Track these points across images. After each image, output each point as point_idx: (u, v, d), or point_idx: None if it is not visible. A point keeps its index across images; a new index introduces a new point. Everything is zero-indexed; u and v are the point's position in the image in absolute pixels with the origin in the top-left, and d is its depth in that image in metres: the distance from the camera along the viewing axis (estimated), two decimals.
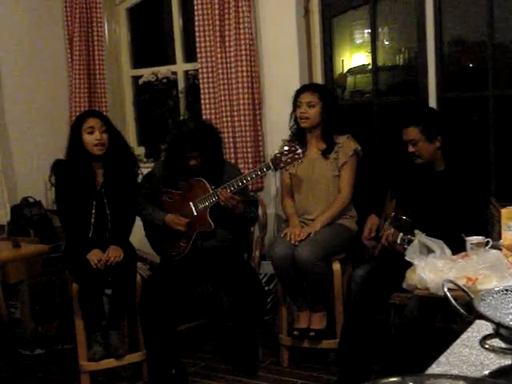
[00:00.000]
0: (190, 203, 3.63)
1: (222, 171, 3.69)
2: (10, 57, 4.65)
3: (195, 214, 3.62)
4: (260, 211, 4.04)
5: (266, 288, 4.02)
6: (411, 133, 3.24)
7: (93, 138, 3.54)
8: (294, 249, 3.47)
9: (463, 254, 2.62)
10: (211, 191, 3.56)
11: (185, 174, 3.67)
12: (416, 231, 2.99)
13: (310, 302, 3.60)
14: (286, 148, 3.45)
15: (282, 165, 3.47)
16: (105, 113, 4.76)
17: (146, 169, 4.01)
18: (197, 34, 4.35)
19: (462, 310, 1.29)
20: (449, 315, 3.26)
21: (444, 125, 3.32)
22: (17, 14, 4.70)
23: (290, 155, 3.42)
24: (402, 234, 3.06)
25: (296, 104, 3.70)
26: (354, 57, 4.49)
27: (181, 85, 4.89)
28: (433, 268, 2.48)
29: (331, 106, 3.71)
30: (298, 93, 3.72)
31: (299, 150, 3.41)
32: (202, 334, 4.16)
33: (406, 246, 2.92)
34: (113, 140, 3.61)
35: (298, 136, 3.74)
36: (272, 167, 3.50)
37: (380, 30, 4.28)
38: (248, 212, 3.68)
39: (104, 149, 3.56)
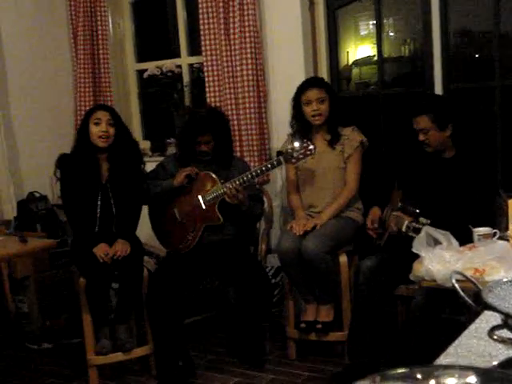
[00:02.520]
0: (199, 196, 3.63)
1: (231, 163, 3.71)
2: (14, 52, 4.66)
3: (203, 207, 3.62)
4: (266, 204, 4.04)
5: (273, 281, 4.03)
6: (422, 121, 3.23)
7: (98, 130, 3.56)
8: (300, 242, 3.47)
9: (470, 245, 2.62)
10: (220, 184, 3.56)
11: (197, 163, 3.67)
12: (421, 219, 2.98)
13: (317, 295, 3.60)
14: (297, 144, 3.43)
15: (293, 160, 3.47)
16: None
17: (151, 163, 4.01)
18: (201, 26, 4.35)
19: (470, 301, 1.28)
20: (456, 307, 3.25)
21: (454, 113, 3.31)
22: (21, 10, 4.70)
23: (302, 151, 3.41)
24: (407, 221, 3.05)
25: (300, 102, 3.66)
26: (359, 48, 4.47)
27: (186, 78, 4.89)
28: (440, 259, 2.48)
29: (336, 99, 3.71)
30: (303, 90, 3.66)
31: (311, 146, 3.40)
32: (209, 327, 4.16)
33: (410, 234, 2.92)
34: (120, 135, 3.62)
35: (303, 131, 3.71)
36: (284, 163, 3.50)
37: (385, 21, 4.27)
38: (254, 209, 3.69)
39: (108, 141, 3.57)
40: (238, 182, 3.49)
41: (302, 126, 3.72)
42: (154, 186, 3.70)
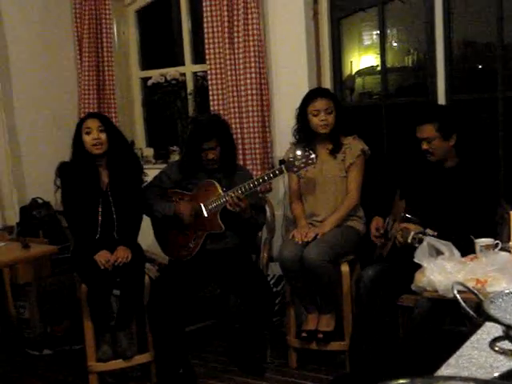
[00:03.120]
0: (201, 204, 3.64)
1: (236, 170, 3.72)
2: (19, 59, 4.67)
3: (206, 215, 3.62)
4: (268, 213, 4.04)
5: (274, 289, 4.02)
6: (427, 130, 3.22)
7: (90, 138, 3.59)
8: (302, 250, 3.47)
9: (472, 256, 2.62)
10: (222, 193, 3.57)
11: (201, 172, 3.68)
12: (428, 230, 2.98)
13: (319, 304, 3.60)
14: (299, 153, 3.44)
15: (295, 169, 3.47)
16: (113, 114, 4.80)
17: (154, 170, 4.02)
18: (205, 35, 4.36)
19: (471, 312, 1.29)
20: (457, 317, 3.25)
21: (459, 123, 3.30)
22: (26, 17, 4.72)
23: (304, 160, 3.41)
24: (413, 232, 3.06)
25: (306, 111, 3.66)
26: (362, 58, 4.48)
27: (189, 86, 4.90)
28: (442, 270, 2.48)
29: (341, 109, 3.72)
30: (311, 100, 3.65)
31: (313, 155, 3.41)
32: (210, 335, 4.16)
33: (416, 245, 2.92)
34: (113, 140, 3.64)
35: (306, 140, 3.72)
36: (285, 171, 3.50)
37: (389, 31, 4.27)
38: (256, 218, 3.69)
39: (103, 148, 3.60)
40: (240, 191, 3.50)
41: (305, 136, 3.72)
42: (156, 211, 3.70)
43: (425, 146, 3.24)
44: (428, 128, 3.22)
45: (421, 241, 2.93)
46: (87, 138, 3.59)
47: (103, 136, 3.60)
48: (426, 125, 3.22)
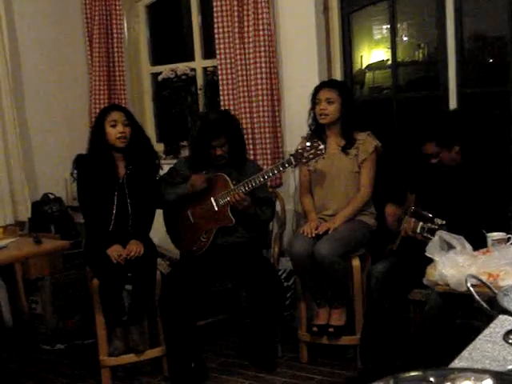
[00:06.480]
0: (212, 198, 3.64)
1: (245, 165, 3.71)
2: (30, 54, 4.69)
3: (216, 209, 3.63)
4: (279, 207, 4.04)
5: (285, 284, 4.02)
6: (429, 148, 3.28)
7: (116, 131, 3.58)
8: (313, 245, 3.47)
9: (484, 249, 2.61)
10: (232, 187, 3.57)
11: (211, 167, 3.69)
12: (436, 219, 2.98)
13: (330, 298, 3.60)
14: (308, 144, 3.43)
15: (304, 160, 3.46)
16: None
17: (165, 165, 4.03)
18: (216, 30, 4.36)
19: (485, 305, 1.29)
20: (469, 311, 3.25)
21: (459, 131, 3.30)
22: (37, 13, 4.74)
23: (312, 151, 3.41)
24: (421, 223, 3.06)
25: (315, 101, 3.70)
26: (372, 53, 4.47)
27: (200, 81, 4.90)
28: (454, 264, 2.47)
29: (350, 102, 3.70)
30: (317, 90, 3.71)
31: (321, 146, 3.40)
32: (221, 330, 4.17)
33: (425, 235, 2.92)
34: (135, 134, 3.64)
35: (317, 133, 3.73)
36: (294, 163, 3.49)
37: (399, 25, 4.26)
38: (261, 214, 3.69)
39: (126, 141, 3.60)
40: (250, 185, 3.50)
41: (316, 127, 3.73)
42: (169, 194, 3.72)
43: (433, 161, 3.29)
44: (429, 146, 3.27)
45: (430, 230, 2.93)
46: (112, 131, 3.59)
47: (127, 130, 3.61)
48: (427, 143, 3.28)
